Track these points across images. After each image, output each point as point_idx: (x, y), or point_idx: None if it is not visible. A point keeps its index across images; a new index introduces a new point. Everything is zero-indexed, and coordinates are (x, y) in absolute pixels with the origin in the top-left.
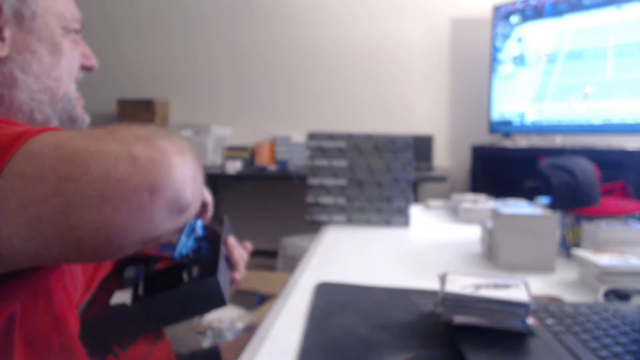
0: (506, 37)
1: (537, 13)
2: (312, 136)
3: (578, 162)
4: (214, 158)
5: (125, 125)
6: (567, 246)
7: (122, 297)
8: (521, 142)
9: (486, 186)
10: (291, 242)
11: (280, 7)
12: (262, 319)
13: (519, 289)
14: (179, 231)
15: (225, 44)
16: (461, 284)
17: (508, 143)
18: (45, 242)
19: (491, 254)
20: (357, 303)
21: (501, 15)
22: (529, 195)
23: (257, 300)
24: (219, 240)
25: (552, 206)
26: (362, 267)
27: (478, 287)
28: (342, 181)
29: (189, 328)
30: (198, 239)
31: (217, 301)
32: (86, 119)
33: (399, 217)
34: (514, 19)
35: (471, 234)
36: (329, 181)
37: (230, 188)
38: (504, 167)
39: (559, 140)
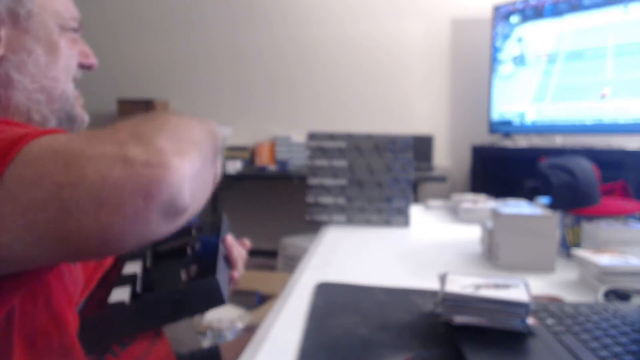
0: (506, 37)
1: (537, 13)
2: (312, 136)
3: (578, 162)
4: None
5: (132, 119)
6: (567, 246)
7: (120, 294)
8: (521, 142)
9: (486, 186)
10: (291, 242)
11: (280, 7)
12: (262, 319)
13: (519, 289)
14: None
15: (225, 44)
16: (461, 284)
17: (508, 143)
18: (45, 247)
19: (491, 254)
20: (357, 303)
21: (501, 15)
22: (529, 195)
23: (257, 300)
24: (216, 239)
25: (552, 206)
26: (362, 267)
27: (478, 287)
28: (342, 181)
29: (189, 328)
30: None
31: (216, 300)
32: (85, 118)
33: (399, 217)
34: (514, 19)
35: (471, 234)
36: (329, 181)
37: (230, 188)
38: (504, 167)
39: (559, 140)
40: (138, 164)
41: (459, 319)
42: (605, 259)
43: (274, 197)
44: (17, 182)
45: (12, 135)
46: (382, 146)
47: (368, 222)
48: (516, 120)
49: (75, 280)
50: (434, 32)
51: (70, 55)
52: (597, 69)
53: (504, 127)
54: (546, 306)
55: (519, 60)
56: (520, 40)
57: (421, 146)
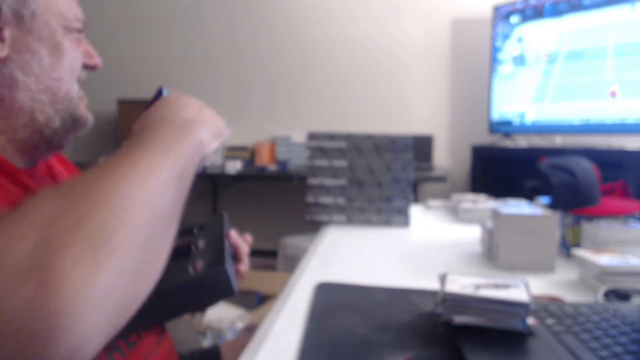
0: (506, 37)
1: (537, 13)
2: (312, 136)
3: (578, 162)
4: (214, 158)
5: (64, 187)
6: (567, 246)
7: None
8: (521, 142)
9: (486, 186)
10: (291, 242)
11: (280, 7)
12: (262, 319)
13: (519, 289)
14: None
15: (225, 44)
16: (461, 284)
17: (508, 143)
18: None
19: (491, 254)
20: (357, 303)
21: (501, 15)
22: (529, 195)
23: (257, 300)
24: (220, 234)
25: (552, 206)
26: (362, 267)
27: (478, 287)
28: (342, 181)
29: (189, 328)
30: None
31: (226, 290)
32: (89, 118)
33: (399, 217)
34: (514, 19)
35: (471, 234)
36: (329, 181)
37: (230, 188)
38: (504, 167)
39: (559, 140)
40: (27, 310)
41: (459, 319)
42: (605, 259)
43: (274, 197)
44: None
45: None
46: (382, 146)
47: (368, 222)
48: (516, 120)
49: None
50: (434, 32)
51: (74, 56)
52: (597, 69)
53: (504, 127)
54: (546, 306)
55: (519, 60)
56: (520, 40)
57: (421, 146)
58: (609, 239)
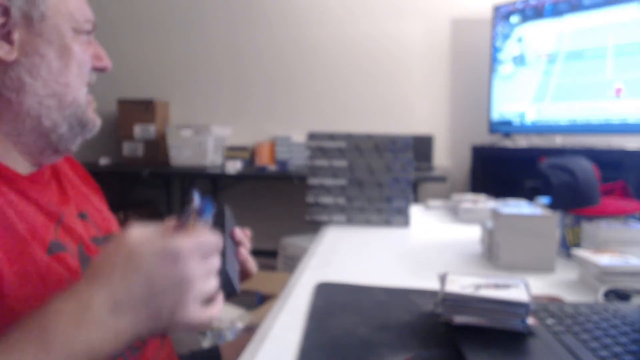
0: (506, 37)
1: (537, 13)
2: (312, 136)
3: (578, 162)
4: (214, 158)
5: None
6: (567, 246)
7: None
8: (521, 142)
9: (486, 186)
10: (291, 242)
11: (280, 7)
12: (262, 319)
13: (519, 289)
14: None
15: (225, 44)
16: (461, 284)
17: (508, 143)
18: None
19: (491, 254)
20: (357, 303)
21: (501, 15)
22: (529, 195)
23: (257, 300)
24: (221, 230)
25: (552, 206)
26: (362, 267)
27: (478, 287)
28: (342, 181)
29: None
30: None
31: (228, 291)
32: (97, 122)
33: (399, 217)
34: (514, 19)
35: (471, 234)
36: (329, 181)
37: (230, 188)
38: (504, 167)
39: (559, 140)
40: None
41: (459, 319)
42: (605, 259)
43: (274, 197)
44: None
45: None
46: (382, 146)
47: (368, 222)
48: (516, 120)
49: None
50: (434, 32)
51: (83, 60)
52: (597, 69)
53: (504, 127)
54: (546, 306)
55: (519, 60)
56: (520, 40)
57: (421, 146)
58: (609, 239)
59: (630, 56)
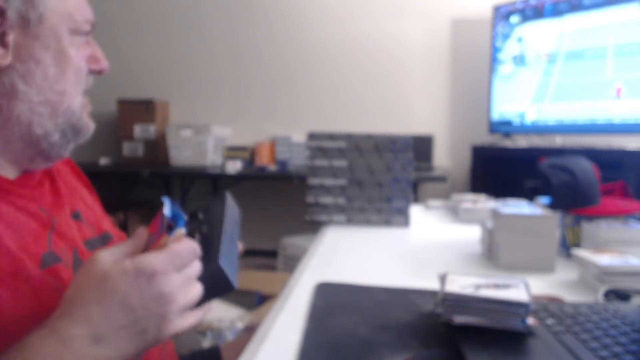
0: (506, 37)
1: (537, 13)
2: (312, 136)
3: (578, 162)
4: (214, 158)
5: None
6: (567, 246)
7: None
8: (521, 142)
9: (486, 186)
10: (291, 242)
11: (280, 7)
12: (262, 319)
13: (519, 289)
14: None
15: (225, 44)
16: (461, 284)
17: (508, 143)
18: None
19: (491, 254)
20: (357, 303)
21: (501, 15)
22: (529, 195)
23: (257, 300)
24: (220, 219)
25: (552, 206)
26: (362, 267)
27: (478, 287)
28: (342, 181)
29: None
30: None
31: (225, 288)
32: (91, 126)
33: (399, 217)
34: (514, 19)
35: (471, 234)
36: (329, 181)
37: (230, 188)
38: (504, 167)
39: (559, 140)
40: None
41: (459, 319)
42: (605, 259)
43: (274, 197)
44: None
45: None
46: (382, 146)
47: (368, 222)
48: (516, 120)
49: None
50: (434, 32)
51: (79, 66)
52: (597, 69)
53: (504, 127)
54: (546, 306)
55: (519, 60)
56: (520, 40)
57: (421, 146)
58: (609, 239)
59: (630, 56)
